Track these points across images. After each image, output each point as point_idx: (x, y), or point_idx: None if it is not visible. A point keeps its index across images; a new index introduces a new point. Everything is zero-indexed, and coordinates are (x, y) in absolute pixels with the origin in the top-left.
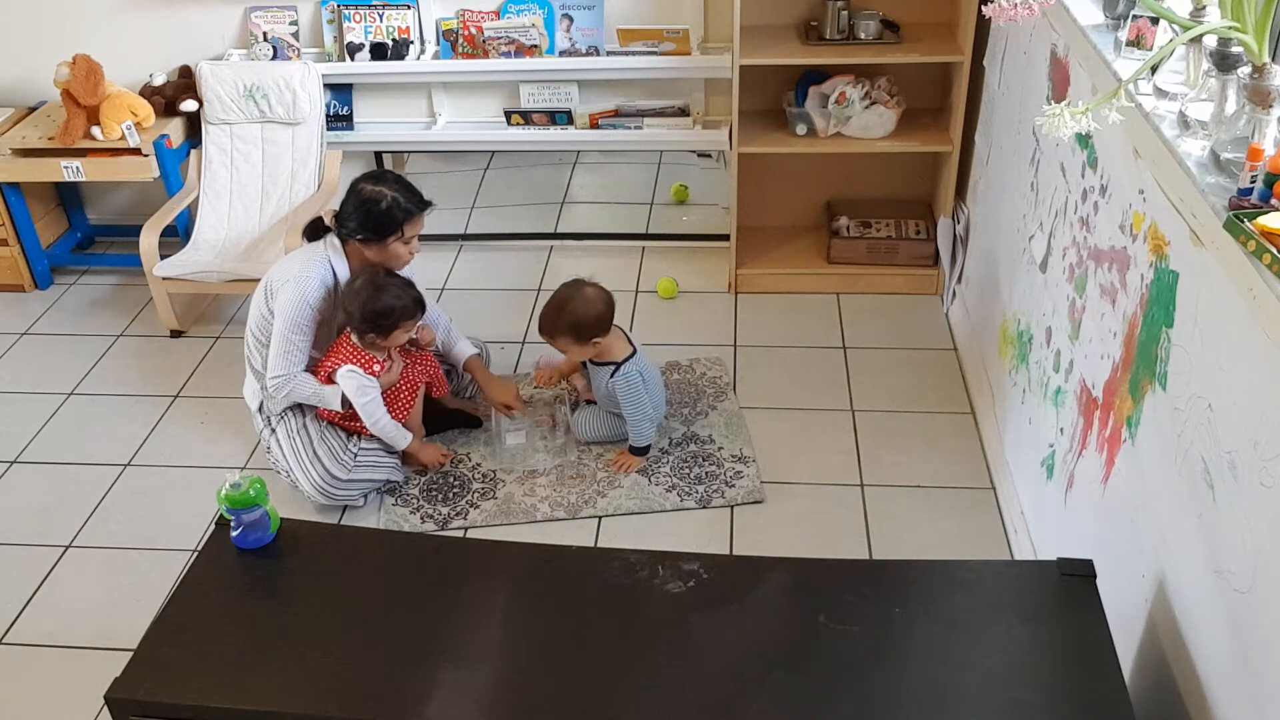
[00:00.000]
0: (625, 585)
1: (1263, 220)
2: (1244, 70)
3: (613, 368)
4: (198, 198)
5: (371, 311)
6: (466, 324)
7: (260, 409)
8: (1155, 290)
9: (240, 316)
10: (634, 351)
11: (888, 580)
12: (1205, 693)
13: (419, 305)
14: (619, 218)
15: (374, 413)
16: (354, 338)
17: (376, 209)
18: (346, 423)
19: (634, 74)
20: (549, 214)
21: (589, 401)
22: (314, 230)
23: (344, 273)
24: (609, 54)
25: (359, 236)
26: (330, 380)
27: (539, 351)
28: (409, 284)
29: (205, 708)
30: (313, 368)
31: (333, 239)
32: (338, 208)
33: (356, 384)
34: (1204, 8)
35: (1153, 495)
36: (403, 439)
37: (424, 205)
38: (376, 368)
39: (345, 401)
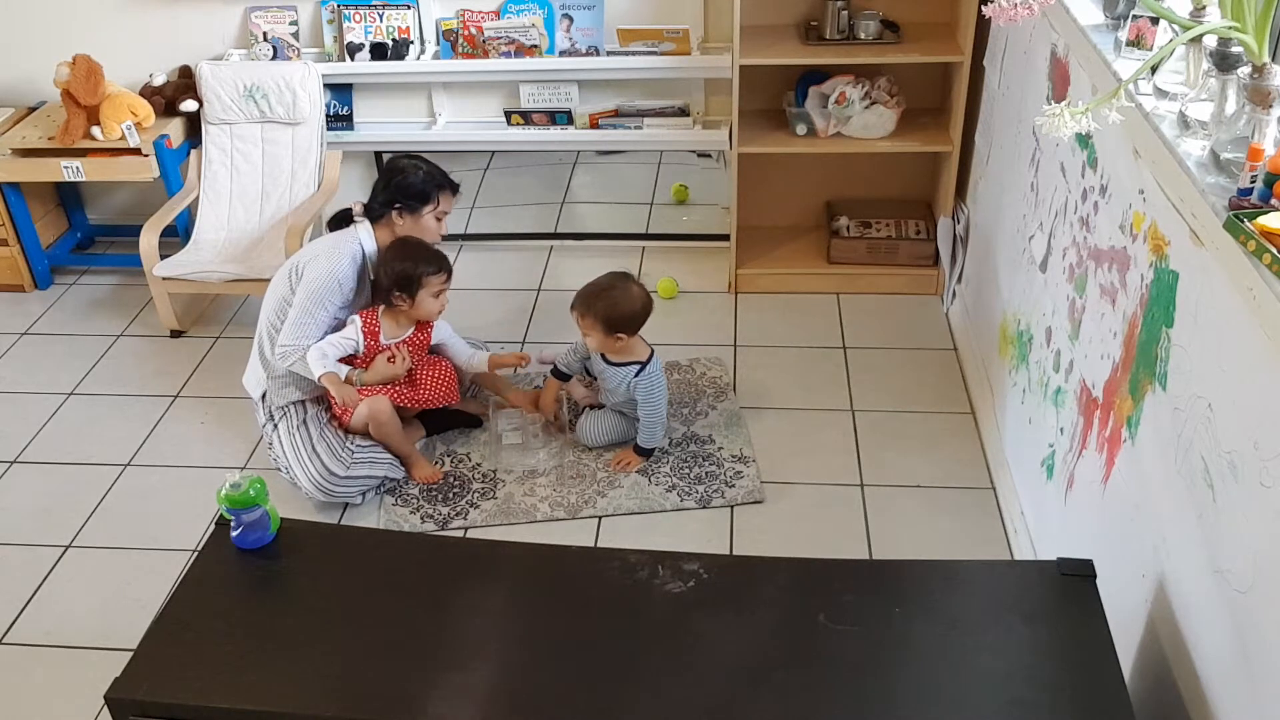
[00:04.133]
0: (625, 585)
1: (1263, 220)
2: (1244, 70)
3: (636, 368)
4: (198, 198)
5: (398, 269)
6: (466, 324)
7: (263, 398)
8: (1155, 290)
9: (240, 317)
10: (653, 353)
11: (888, 580)
12: (1205, 693)
13: (445, 266)
14: (619, 218)
15: (329, 346)
16: (381, 312)
17: (415, 177)
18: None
19: (634, 74)
20: (549, 214)
21: (591, 407)
22: (339, 220)
23: (373, 252)
24: (609, 54)
25: (396, 206)
26: (368, 357)
27: (538, 352)
28: (439, 252)
29: (205, 708)
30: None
31: (362, 222)
32: (366, 198)
33: (348, 330)
34: (1204, 8)
35: (1153, 495)
36: (313, 370)
37: (454, 185)
38: (382, 342)
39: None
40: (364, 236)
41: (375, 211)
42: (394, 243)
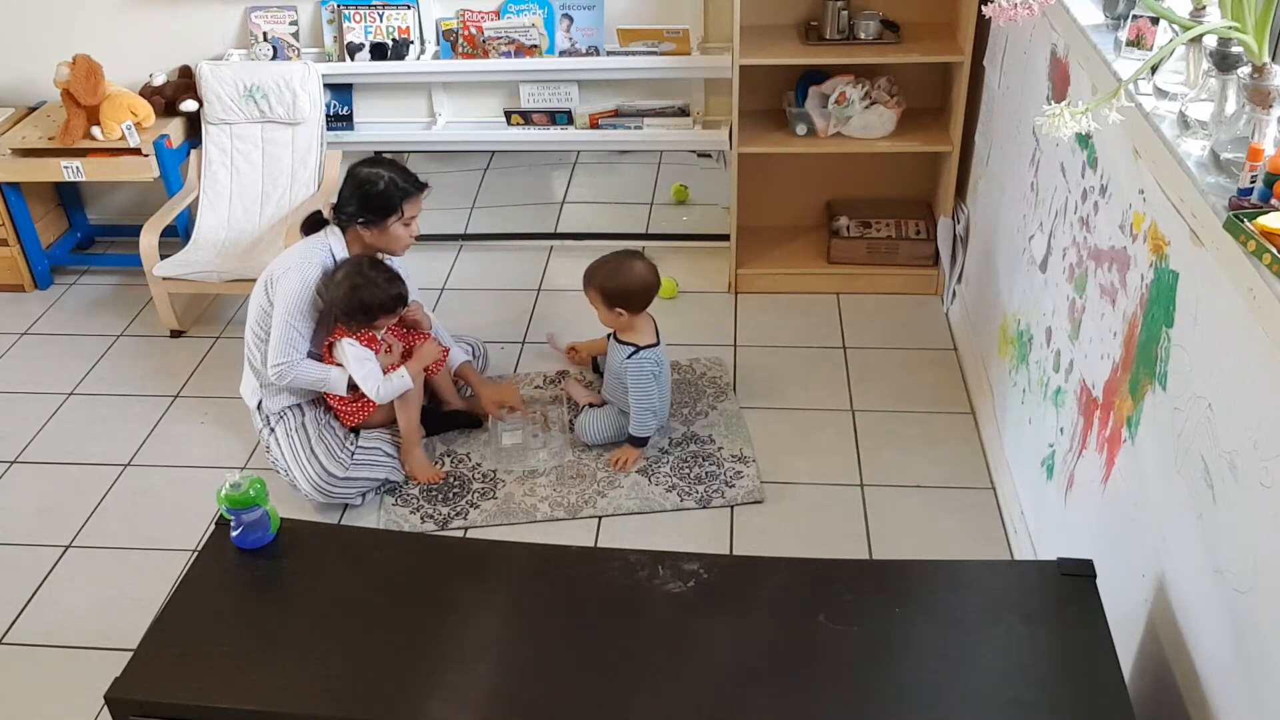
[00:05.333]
0: (625, 585)
1: (1263, 220)
2: (1244, 70)
3: (632, 349)
4: (198, 198)
5: (350, 307)
6: (466, 324)
7: (259, 407)
8: (1155, 290)
9: (240, 317)
10: (657, 343)
11: (887, 580)
12: (1205, 693)
13: (398, 300)
14: (619, 218)
15: (373, 374)
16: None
17: (375, 190)
18: (347, 406)
19: (634, 74)
20: (549, 214)
21: (591, 405)
22: (311, 224)
23: (344, 259)
24: (609, 54)
25: (360, 220)
26: (332, 355)
27: (539, 352)
28: (392, 276)
29: (205, 708)
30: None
31: (332, 228)
32: (335, 200)
33: (355, 353)
34: (1204, 8)
35: (1153, 495)
36: (402, 385)
37: (420, 186)
38: (373, 347)
39: (351, 385)
40: (334, 243)
41: (343, 221)
42: (346, 272)
